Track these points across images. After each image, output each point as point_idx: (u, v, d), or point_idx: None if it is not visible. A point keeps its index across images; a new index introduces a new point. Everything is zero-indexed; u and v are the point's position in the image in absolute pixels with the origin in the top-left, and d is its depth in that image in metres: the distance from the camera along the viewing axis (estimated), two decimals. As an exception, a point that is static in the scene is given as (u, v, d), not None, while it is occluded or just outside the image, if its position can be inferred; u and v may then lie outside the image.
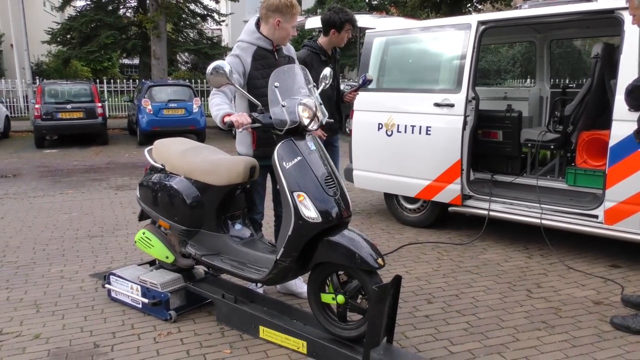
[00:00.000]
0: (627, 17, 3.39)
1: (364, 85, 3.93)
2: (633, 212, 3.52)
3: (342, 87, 3.88)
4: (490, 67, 18.69)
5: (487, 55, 18.62)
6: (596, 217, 3.85)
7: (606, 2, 3.80)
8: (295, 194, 2.40)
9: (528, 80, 16.43)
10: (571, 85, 6.32)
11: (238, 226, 2.97)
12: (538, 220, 4.08)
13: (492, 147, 5.01)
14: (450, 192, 4.54)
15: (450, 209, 4.62)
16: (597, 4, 3.80)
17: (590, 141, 4.43)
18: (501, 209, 4.36)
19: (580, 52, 16.71)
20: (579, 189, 4.41)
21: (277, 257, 2.51)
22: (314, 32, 6.49)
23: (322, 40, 3.78)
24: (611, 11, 3.69)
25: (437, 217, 4.89)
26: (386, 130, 4.85)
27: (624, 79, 3.41)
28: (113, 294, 3.29)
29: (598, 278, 3.69)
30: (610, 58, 4.26)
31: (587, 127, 4.55)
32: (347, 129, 5.06)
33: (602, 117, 4.18)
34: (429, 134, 4.57)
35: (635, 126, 2.87)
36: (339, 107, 3.94)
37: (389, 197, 5.24)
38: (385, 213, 5.47)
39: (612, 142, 3.66)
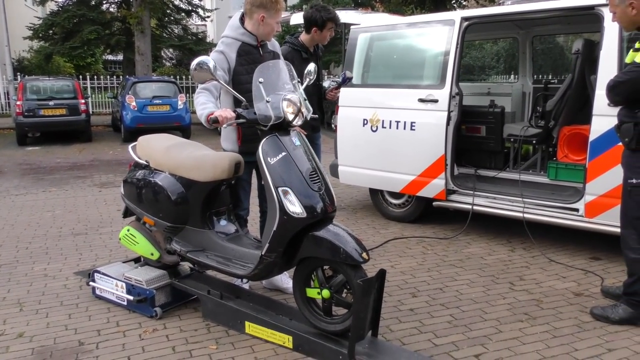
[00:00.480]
0: (607, 13, 3.43)
1: (344, 82, 3.93)
2: (612, 205, 3.56)
3: (326, 83, 3.89)
4: (474, 63, 18.81)
5: (471, 52, 18.75)
6: (577, 210, 3.90)
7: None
8: (280, 189, 2.41)
9: (511, 76, 16.58)
10: (553, 81, 6.34)
11: (223, 222, 2.96)
12: (521, 214, 4.14)
13: (475, 142, 5.07)
14: (434, 187, 4.58)
15: (434, 203, 4.67)
16: (578, 1, 3.86)
17: (571, 136, 4.45)
18: (485, 203, 4.41)
19: (562, 48, 16.89)
20: (561, 183, 4.46)
21: (263, 253, 2.51)
22: (300, 28, 6.47)
23: (303, 37, 3.77)
24: (591, 7, 3.73)
25: (421, 211, 4.93)
26: (371, 126, 4.88)
27: (603, 75, 3.46)
28: (97, 292, 3.26)
29: (579, 270, 3.75)
30: (591, 54, 4.30)
31: (568, 122, 4.57)
32: (332, 125, 5.13)
33: (583, 112, 4.23)
34: (414, 130, 4.61)
35: (615, 121, 2.91)
36: (320, 105, 3.94)
37: (374, 193, 5.27)
38: (370, 208, 5.49)
39: (592, 136, 3.71)
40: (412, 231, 4.78)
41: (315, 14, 3.63)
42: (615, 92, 2.78)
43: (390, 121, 4.76)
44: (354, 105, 4.94)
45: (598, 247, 4.19)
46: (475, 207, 4.41)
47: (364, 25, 5.10)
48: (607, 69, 3.52)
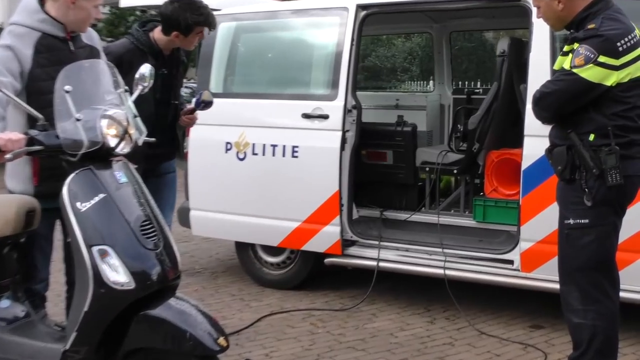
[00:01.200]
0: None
1: (199, 107, 3.86)
2: (554, 254, 3.61)
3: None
4: (379, 65, 19.81)
5: (376, 50, 19.76)
6: (511, 262, 4.14)
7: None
8: (95, 249, 2.36)
9: (429, 83, 17.56)
10: (477, 90, 6.89)
11: (5, 302, 2.84)
12: (442, 271, 4.33)
13: (380, 173, 5.23)
14: (326, 238, 4.66)
15: (327, 260, 4.74)
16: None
17: (500, 163, 4.74)
18: (395, 257, 4.56)
19: (492, 48, 18.29)
20: (491, 227, 4.71)
21: (67, 347, 2.42)
22: (137, 12, 6.36)
23: (158, 35, 3.75)
24: (516, -2, 4.13)
25: (309, 273, 4.98)
26: (237, 152, 4.91)
27: (534, 83, 3.61)
28: None
29: (517, 344, 3.97)
30: (520, 57, 4.64)
31: (496, 145, 4.89)
32: (185, 151, 5.08)
33: (514, 132, 4.55)
34: (296, 157, 4.71)
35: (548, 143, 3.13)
36: (173, 127, 3.97)
37: (243, 248, 5.26)
38: (237, 271, 5.49)
39: (525, 163, 3.96)
40: (297, 302, 4.78)
41: (179, 13, 3.58)
42: (541, 106, 3.02)
43: (264, 145, 4.81)
44: (212, 122, 4.75)
45: (539, 310, 4.41)
46: (382, 264, 4.52)
47: (227, 11, 5.11)
48: (538, 75, 3.76)
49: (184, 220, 5.26)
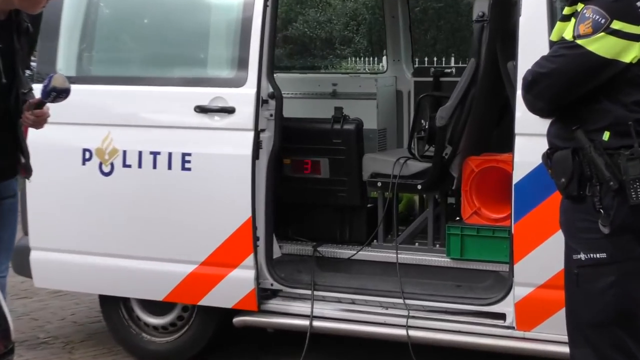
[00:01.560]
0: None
1: (49, 97, 3.79)
2: (561, 305, 3.43)
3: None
4: (309, 35, 19.76)
5: (307, 12, 19.73)
6: (502, 317, 4.16)
7: None
8: None
9: (380, 61, 17.54)
10: (448, 71, 6.78)
11: None
12: (403, 331, 4.32)
13: (311, 191, 5.25)
14: (234, 287, 4.64)
15: (236, 320, 4.72)
16: None
17: (483, 174, 4.70)
18: (335, 313, 4.58)
19: (468, 9, 18.58)
20: (472, 265, 4.74)
21: None
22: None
23: None
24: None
25: (211, 339, 4.96)
26: (100, 164, 4.85)
27: (526, 60, 3.63)
28: None
29: None
30: (505, 22, 4.64)
31: (476, 148, 4.87)
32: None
33: (500, 129, 4.63)
34: (188, 169, 4.68)
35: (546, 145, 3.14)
36: (14, 128, 3.87)
37: (111, 306, 5.18)
38: (103, 340, 5.44)
39: (517, 174, 4.00)
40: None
41: None
42: (535, 92, 3.03)
43: (140, 153, 4.77)
44: (61, 120, 4.51)
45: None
46: (317, 323, 4.53)
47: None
48: (532, 49, 3.77)
49: (22, 265, 5.10)
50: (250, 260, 4.60)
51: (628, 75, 2.82)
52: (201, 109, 4.66)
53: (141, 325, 5.14)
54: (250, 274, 4.61)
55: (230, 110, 4.60)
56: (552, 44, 3.14)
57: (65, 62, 5.02)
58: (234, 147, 4.61)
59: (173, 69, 4.91)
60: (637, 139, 2.78)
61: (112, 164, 4.83)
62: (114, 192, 4.85)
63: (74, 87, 4.37)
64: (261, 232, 4.63)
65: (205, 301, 4.74)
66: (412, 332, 4.33)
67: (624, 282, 2.91)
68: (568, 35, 2.89)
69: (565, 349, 3.57)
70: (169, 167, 4.72)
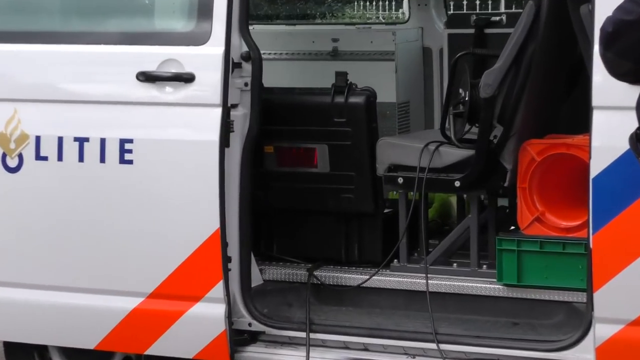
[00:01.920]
0: None
1: None
2: None
3: None
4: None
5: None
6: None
7: None
8: None
9: (399, 8, 16.85)
10: (496, 19, 6.22)
11: None
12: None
13: (304, 191, 4.71)
14: (196, 329, 4.24)
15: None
16: None
17: (547, 164, 4.21)
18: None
19: None
20: (533, 294, 4.18)
21: None
22: None
23: None
24: None
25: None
26: (3, 156, 4.45)
27: (606, 3, 3.22)
28: None
29: None
30: None
31: (536, 128, 4.41)
32: None
33: (571, 101, 4.37)
34: (129, 162, 4.25)
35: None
36: None
37: (21, 358, 4.90)
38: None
39: (596, 164, 3.57)
40: None
41: None
42: (617, 49, 2.72)
43: (61, 139, 4.32)
44: None
45: None
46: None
47: None
48: None
49: None
50: (218, 289, 4.12)
51: None
52: (146, 77, 4.16)
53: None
54: (220, 309, 4.13)
55: (187, 78, 4.12)
56: None
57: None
58: (193, 130, 4.17)
59: (106, 20, 4.46)
60: None
61: (20, 156, 4.38)
62: (23, 196, 4.43)
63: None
64: (234, 250, 4.15)
65: (155, 350, 4.30)
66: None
67: None
68: None
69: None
70: (102, 160, 4.25)
